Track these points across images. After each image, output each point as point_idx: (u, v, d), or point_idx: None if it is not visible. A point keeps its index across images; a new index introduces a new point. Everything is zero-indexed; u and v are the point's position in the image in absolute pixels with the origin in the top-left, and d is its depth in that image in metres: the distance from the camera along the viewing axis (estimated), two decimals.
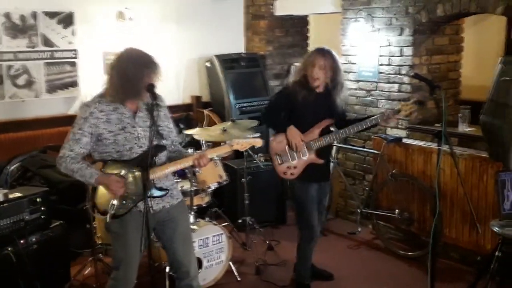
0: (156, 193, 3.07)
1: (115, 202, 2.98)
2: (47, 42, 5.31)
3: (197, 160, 3.07)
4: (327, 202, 4.29)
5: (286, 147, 3.86)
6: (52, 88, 5.39)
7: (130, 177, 3.02)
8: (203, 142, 4.93)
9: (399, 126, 5.06)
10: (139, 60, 2.98)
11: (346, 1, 5.43)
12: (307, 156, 3.84)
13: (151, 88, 2.94)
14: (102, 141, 3.01)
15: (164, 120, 3.19)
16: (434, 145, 4.46)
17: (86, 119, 2.98)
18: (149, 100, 3.02)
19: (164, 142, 3.15)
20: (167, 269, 3.92)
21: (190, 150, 4.13)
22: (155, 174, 3.03)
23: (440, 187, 4.38)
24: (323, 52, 3.82)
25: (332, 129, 3.96)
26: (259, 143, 3.26)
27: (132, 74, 2.93)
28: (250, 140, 3.23)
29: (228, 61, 6.29)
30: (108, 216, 2.99)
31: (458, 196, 4.43)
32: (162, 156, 3.12)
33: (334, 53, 3.87)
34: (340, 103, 3.90)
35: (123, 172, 3.01)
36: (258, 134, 5.24)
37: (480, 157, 4.27)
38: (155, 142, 3.05)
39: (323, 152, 3.90)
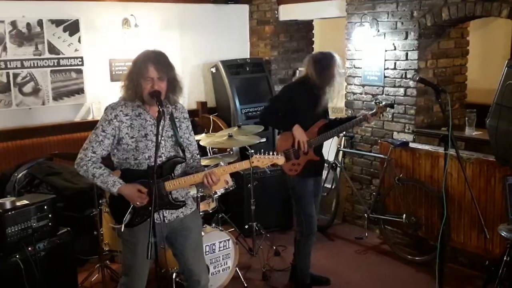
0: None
1: (131, 211, 2.97)
2: (53, 49, 5.34)
3: (205, 177, 3.02)
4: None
5: (291, 145, 4.05)
6: (58, 95, 5.42)
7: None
8: (209, 148, 4.94)
9: (406, 131, 5.05)
10: (140, 57, 2.99)
11: (350, 6, 5.43)
12: (308, 153, 4.05)
13: (155, 94, 2.93)
14: (122, 146, 2.99)
15: (186, 132, 3.17)
16: (441, 149, 4.43)
17: (111, 121, 2.97)
18: (169, 109, 3.04)
19: (184, 154, 3.12)
20: (174, 275, 3.92)
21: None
22: (171, 187, 3.02)
23: (448, 191, 4.38)
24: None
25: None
26: (281, 161, 3.15)
27: (132, 72, 2.96)
28: (271, 157, 3.12)
29: (233, 66, 6.30)
30: (122, 225, 2.99)
31: (465, 200, 4.41)
32: (178, 167, 3.11)
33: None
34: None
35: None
36: (264, 139, 5.26)
37: (487, 161, 4.25)
38: (172, 153, 3.06)
39: (318, 149, 4.15)
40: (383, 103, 4.11)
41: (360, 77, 5.42)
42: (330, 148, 5.51)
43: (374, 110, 4.07)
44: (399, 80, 5.06)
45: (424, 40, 4.89)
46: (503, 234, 3.54)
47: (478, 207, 3.67)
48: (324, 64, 3.97)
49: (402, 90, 5.04)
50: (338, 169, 5.55)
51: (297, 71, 6.65)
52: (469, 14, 4.45)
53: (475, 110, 4.70)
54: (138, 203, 2.95)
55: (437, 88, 3.50)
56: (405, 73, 5.00)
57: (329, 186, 5.56)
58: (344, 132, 4.91)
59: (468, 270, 4.53)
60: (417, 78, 3.77)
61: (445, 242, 4.14)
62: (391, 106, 4.22)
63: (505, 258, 3.53)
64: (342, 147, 5.60)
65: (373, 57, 5.25)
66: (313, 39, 6.89)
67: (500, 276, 3.57)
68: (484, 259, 4.27)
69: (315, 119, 4.07)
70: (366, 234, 5.28)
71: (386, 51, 5.12)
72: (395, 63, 5.08)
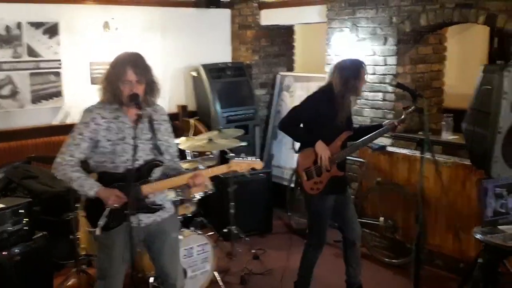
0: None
1: (107, 214, 2.95)
2: (32, 52, 5.30)
3: (192, 179, 3.02)
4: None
5: (312, 162, 3.85)
6: (37, 98, 5.37)
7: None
8: (189, 151, 4.93)
9: (384, 135, 5.08)
10: (118, 60, 2.98)
11: (331, 11, 5.47)
12: (331, 170, 3.83)
13: (134, 97, 2.92)
14: (99, 149, 2.97)
15: (165, 134, 3.15)
16: (418, 153, 4.47)
17: (88, 124, 2.95)
18: (148, 111, 3.03)
19: (163, 157, 3.10)
20: (151, 279, 3.91)
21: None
22: (149, 190, 3.01)
23: (424, 194, 4.42)
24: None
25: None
26: (259, 165, 3.15)
27: (110, 75, 2.95)
28: (250, 162, 3.12)
29: (214, 70, 6.30)
30: (98, 228, 2.96)
31: (442, 203, 4.46)
32: (156, 171, 3.09)
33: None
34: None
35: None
36: (244, 143, 5.25)
37: (463, 165, 4.31)
38: (150, 157, 3.04)
39: (341, 164, 3.91)
40: (412, 107, 3.85)
41: None
42: None
43: (403, 117, 3.85)
44: (377, 85, 5.11)
45: (402, 45, 4.94)
46: (477, 237, 3.58)
47: (453, 210, 3.73)
48: (351, 73, 3.74)
49: (380, 94, 5.09)
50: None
51: (277, 76, 6.68)
52: (447, 20, 4.51)
53: (452, 114, 4.76)
54: (115, 204, 2.92)
55: (414, 93, 3.57)
56: (384, 78, 5.05)
57: None
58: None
59: (444, 272, 4.58)
60: (395, 83, 3.82)
61: (421, 245, 4.18)
62: (421, 110, 3.86)
63: (479, 260, 3.57)
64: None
65: None
66: (294, 44, 6.93)
67: (475, 278, 3.60)
68: (459, 261, 4.32)
69: (338, 132, 3.83)
70: None
71: (365, 56, 5.16)
72: (374, 68, 5.12)
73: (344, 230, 4.08)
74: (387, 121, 3.95)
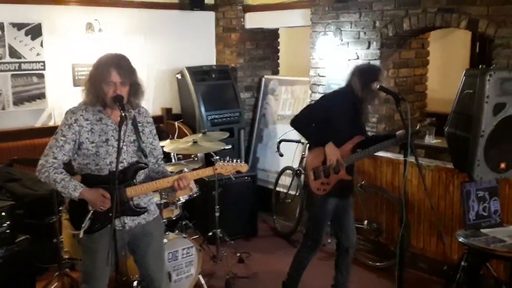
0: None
1: (90, 217, 2.93)
2: (14, 53, 5.23)
3: (176, 181, 3.01)
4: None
5: (321, 162, 3.82)
6: (19, 100, 5.31)
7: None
8: (174, 154, 4.92)
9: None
10: (101, 61, 2.96)
11: (315, 15, 5.50)
12: (340, 173, 3.80)
13: (118, 99, 2.90)
14: (82, 151, 2.95)
15: (149, 137, 3.14)
16: (401, 157, 4.50)
17: (71, 126, 2.93)
18: (131, 114, 3.01)
19: (147, 160, 3.09)
20: (135, 283, 3.88)
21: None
22: (133, 193, 2.99)
23: (407, 198, 4.46)
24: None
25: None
26: (244, 168, 3.17)
27: (93, 76, 2.93)
28: (235, 165, 3.15)
29: (199, 73, 6.28)
30: (81, 231, 2.94)
31: (425, 206, 4.51)
32: (140, 173, 3.08)
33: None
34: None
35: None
36: (229, 146, 5.26)
37: (446, 168, 4.36)
38: (134, 159, 3.03)
39: (350, 167, 3.87)
40: (427, 121, 3.87)
41: (324, 85, 5.48)
42: (295, 155, 5.55)
43: (417, 128, 3.82)
44: None
45: (386, 50, 4.99)
46: (460, 240, 3.62)
47: (437, 213, 3.76)
48: (371, 77, 3.74)
49: None
50: (303, 176, 5.58)
51: (262, 79, 6.70)
52: (429, 24, 4.56)
53: (434, 118, 4.80)
54: (101, 207, 2.91)
55: (397, 96, 3.59)
56: None
57: (294, 193, 5.59)
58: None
59: (428, 275, 4.61)
60: (378, 86, 3.84)
61: (405, 248, 4.21)
62: (434, 124, 3.94)
63: (462, 263, 3.60)
64: (306, 154, 5.64)
65: (336, 66, 5.32)
66: (278, 47, 6.95)
67: (458, 281, 3.64)
68: (443, 264, 4.36)
69: (351, 135, 3.81)
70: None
71: (349, 60, 5.20)
72: None
73: (339, 236, 4.08)
74: (400, 131, 3.89)
